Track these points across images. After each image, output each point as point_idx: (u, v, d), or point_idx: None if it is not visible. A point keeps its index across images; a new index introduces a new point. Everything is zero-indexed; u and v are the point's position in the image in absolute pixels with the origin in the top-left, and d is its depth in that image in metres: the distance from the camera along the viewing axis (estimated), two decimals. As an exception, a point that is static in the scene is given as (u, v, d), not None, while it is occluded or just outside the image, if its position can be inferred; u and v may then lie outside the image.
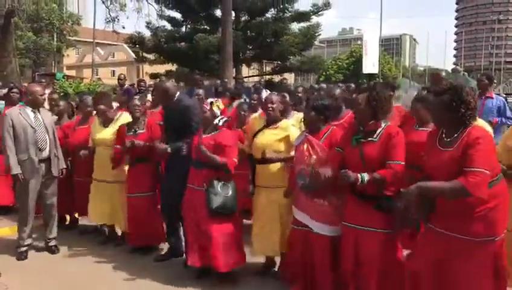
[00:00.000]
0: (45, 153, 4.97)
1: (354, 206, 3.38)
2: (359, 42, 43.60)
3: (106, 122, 5.28)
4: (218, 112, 4.26)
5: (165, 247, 5.10)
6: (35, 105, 4.98)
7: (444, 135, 2.90)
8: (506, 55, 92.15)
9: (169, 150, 4.51)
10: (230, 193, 4.13)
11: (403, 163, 3.20)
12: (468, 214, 2.75)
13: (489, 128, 4.02)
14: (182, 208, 4.38)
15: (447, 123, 2.86)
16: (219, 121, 4.22)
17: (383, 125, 3.31)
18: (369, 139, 3.30)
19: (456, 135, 2.81)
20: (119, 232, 5.49)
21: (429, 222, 2.96)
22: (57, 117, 5.79)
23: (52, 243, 5.19)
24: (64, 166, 5.22)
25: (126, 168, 5.20)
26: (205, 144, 4.12)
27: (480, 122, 4.05)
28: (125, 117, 5.30)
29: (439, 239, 2.88)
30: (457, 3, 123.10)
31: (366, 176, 3.16)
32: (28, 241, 5.05)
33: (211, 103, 4.29)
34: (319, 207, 3.63)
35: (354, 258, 3.38)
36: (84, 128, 5.58)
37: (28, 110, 4.95)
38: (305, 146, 3.67)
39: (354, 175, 3.16)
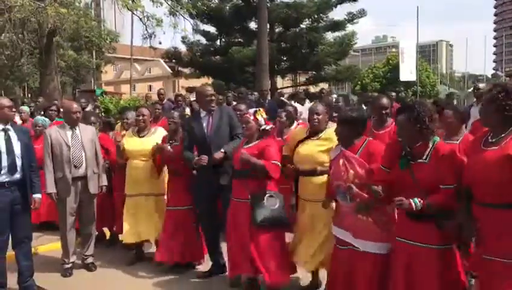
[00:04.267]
0: (81, 171, 4.92)
1: (407, 220, 3.12)
2: (394, 50, 42.90)
3: (141, 131, 5.18)
4: (262, 121, 4.17)
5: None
6: (72, 122, 4.98)
7: (489, 137, 2.76)
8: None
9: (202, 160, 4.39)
10: (277, 204, 3.96)
11: (455, 185, 2.93)
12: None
13: None
14: (226, 223, 4.26)
15: (496, 123, 2.72)
16: (266, 127, 4.16)
17: (431, 145, 3.07)
18: (419, 161, 3.06)
19: (503, 135, 2.67)
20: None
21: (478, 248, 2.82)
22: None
23: (89, 260, 5.13)
24: (106, 183, 5.16)
25: (163, 179, 5.18)
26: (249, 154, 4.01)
27: None
28: (161, 131, 5.25)
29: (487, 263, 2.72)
30: (495, 7, 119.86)
31: (419, 203, 2.93)
32: (73, 258, 5.03)
33: (255, 112, 4.19)
34: (363, 224, 3.42)
35: (405, 280, 3.08)
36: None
37: (67, 127, 4.97)
38: (341, 161, 3.49)
39: (408, 203, 2.94)
